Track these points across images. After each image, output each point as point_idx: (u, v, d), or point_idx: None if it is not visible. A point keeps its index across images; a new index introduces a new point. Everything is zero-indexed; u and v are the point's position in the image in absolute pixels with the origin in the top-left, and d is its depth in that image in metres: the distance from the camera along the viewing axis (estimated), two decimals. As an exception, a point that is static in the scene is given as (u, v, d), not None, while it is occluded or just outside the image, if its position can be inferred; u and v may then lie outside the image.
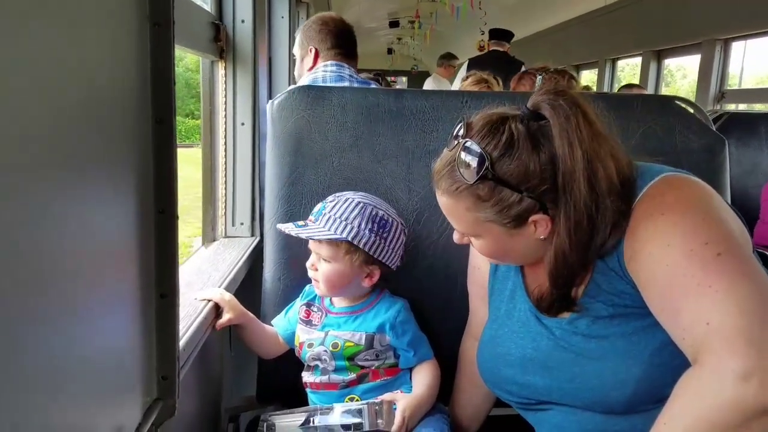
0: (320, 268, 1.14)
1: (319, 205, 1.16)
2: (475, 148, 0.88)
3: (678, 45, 4.36)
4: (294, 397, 1.22)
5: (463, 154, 0.89)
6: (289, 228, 1.15)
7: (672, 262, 0.80)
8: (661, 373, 0.86)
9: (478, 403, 1.22)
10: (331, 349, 1.15)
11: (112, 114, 0.63)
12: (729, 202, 1.12)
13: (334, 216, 1.12)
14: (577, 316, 0.93)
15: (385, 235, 1.12)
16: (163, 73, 0.71)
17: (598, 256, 0.90)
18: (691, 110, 1.32)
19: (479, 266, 1.17)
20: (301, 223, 1.16)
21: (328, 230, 1.11)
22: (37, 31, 0.48)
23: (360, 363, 1.15)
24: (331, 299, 1.20)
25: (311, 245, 1.15)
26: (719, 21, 3.78)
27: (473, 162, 0.88)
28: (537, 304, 0.99)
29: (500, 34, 4.86)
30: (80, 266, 0.57)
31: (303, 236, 1.14)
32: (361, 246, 1.10)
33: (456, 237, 1.01)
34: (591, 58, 5.73)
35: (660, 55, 4.68)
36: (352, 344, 1.14)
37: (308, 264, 1.17)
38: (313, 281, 1.17)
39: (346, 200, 1.14)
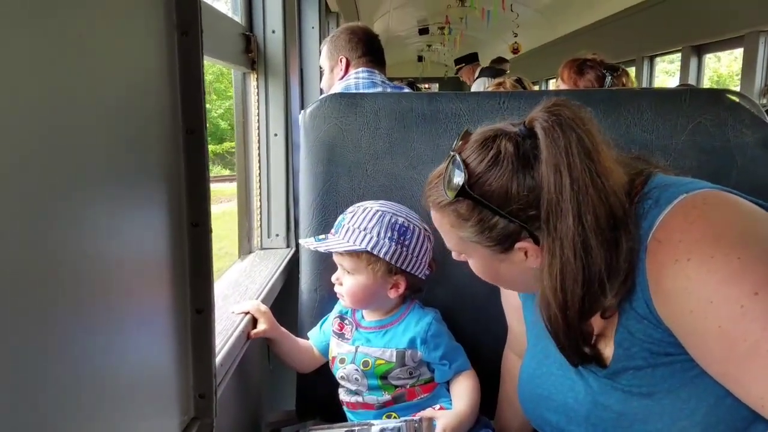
0: (344, 281, 1.11)
1: (339, 217, 1.14)
2: (460, 163, 0.82)
3: (719, 39, 4.21)
4: (333, 411, 1.19)
5: (450, 168, 0.84)
6: (310, 242, 1.13)
7: (724, 323, 0.69)
8: None
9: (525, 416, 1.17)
10: (362, 367, 1.12)
11: (142, 124, 0.62)
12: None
13: (353, 227, 1.09)
14: (615, 369, 0.83)
15: (406, 242, 1.08)
16: (193, 82, 0.70)
17: (616, 302, 0.79)
18: (744, 103, 1.25)
19: None
20: (322, 236, 1.14)
21: (347, 242, 1.08)
22: (66, 42, 0.46)
23: (393, 382, 1.11)
24: (362, 312, 1.17)
25: (335, 258, 1.12)
26: (763, 12, 3.63)
27: (457, 178, 0.82)
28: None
29: (470, 59, 4.93)
30: (113, 282, 0.56)
31: (321, 250, 1.12)
32: (381, 255, 1.07)
33: (453, 253, 0.94)
34: (628, 55, 5.58)
35: (700, 50, 4.52)
36: (383, 362, 1.10)
37: (333, 278, 1.14)
38: (338, 295, 1.15)
39: (364, 210, 1.11)
